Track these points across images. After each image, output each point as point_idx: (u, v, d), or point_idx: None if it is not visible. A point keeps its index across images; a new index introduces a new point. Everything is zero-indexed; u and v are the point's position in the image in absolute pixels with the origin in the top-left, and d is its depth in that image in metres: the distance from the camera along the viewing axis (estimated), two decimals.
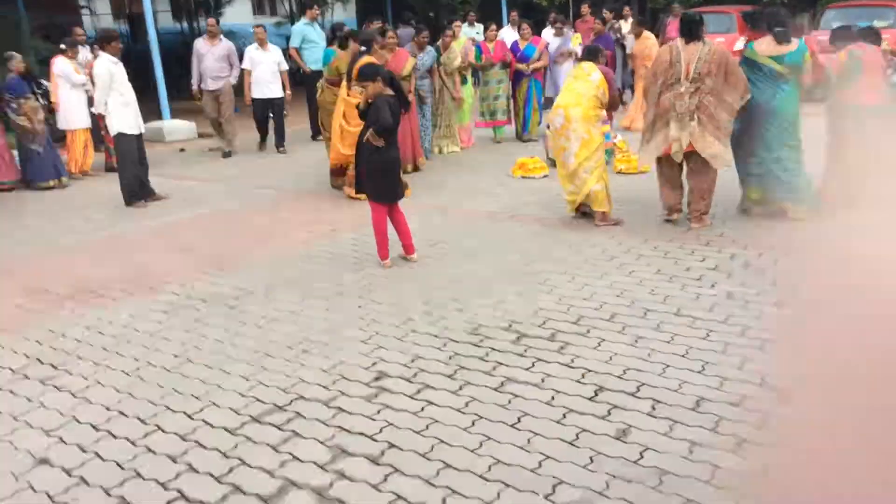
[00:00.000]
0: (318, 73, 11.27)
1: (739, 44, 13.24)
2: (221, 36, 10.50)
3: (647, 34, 11.16)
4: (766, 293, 4.65)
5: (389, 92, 5.49)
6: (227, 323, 4.70)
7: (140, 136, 7.97)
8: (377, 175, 5.50)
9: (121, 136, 7.79)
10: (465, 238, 6.18)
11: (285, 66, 10.59)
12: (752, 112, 5.92)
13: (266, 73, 10.38)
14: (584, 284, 5.00)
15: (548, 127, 6.53)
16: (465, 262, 5.59)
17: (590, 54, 6.41)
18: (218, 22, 10.79)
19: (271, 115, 10.72)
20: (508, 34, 11.85)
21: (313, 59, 11.35)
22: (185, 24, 24.13)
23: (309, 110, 11.79)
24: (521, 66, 10.11)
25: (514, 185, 7.97)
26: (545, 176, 8.21)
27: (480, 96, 10.47)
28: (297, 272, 5.58)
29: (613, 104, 6.39)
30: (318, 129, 11.60)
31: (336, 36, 8.95)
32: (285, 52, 11.79)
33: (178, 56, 15.36)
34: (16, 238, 7.05)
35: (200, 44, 10.42)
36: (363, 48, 7.50)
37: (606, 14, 12.68)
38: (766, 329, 4.10)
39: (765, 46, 6.00)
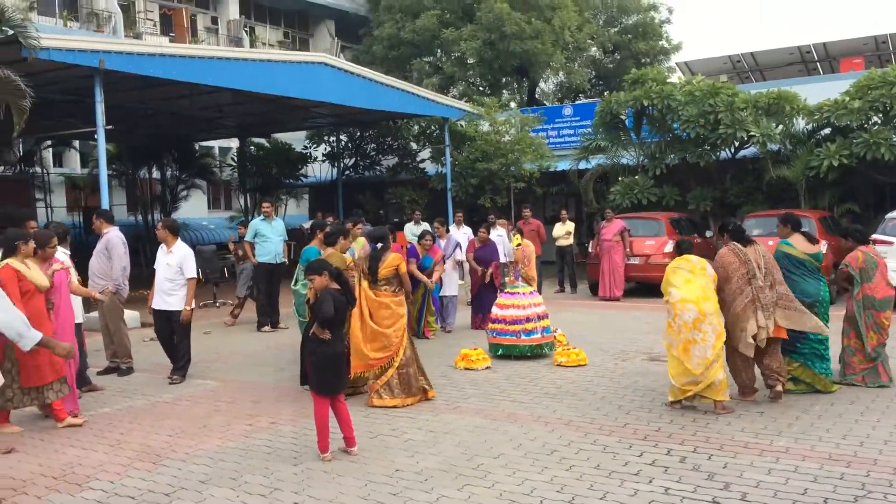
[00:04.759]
0: (269, 266, 11.65)
1: (668, 247, 14.19)
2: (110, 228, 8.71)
3: (527, 241, 11.94)
4: (701, 489, 4.71)
5: (335, 286, 5.69)
6: None
7: (80, 325, 7.90)
8: (322, 368, 5.56)
9: None
10: (407, 431, 6.16)
11: (192, 272, 8.31)
12: (800, 300, 6.71)
13: (162, 281, 8.28)
14: (525, 479, 4.98)
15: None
16: (405, 455, 5.54)
17: (689, 248, 6.81)
18: (110, 218, 8.90)
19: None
20: (454, 232, 12.54)
21: (263, 252, 11.70)
22: (140, 217, 24.75)
23: (256, 301, 11.95)
24: (423, 279, 10.12)
25: (457, 377, 8.07)
26: (488, 367, 8.36)
27: None
28: (233, 467, 5.44)
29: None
30: (265, 320, 11.73)
31: (314, 232, 8.42)
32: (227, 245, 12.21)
33: (131, 247, 15.60)
34: None
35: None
36: (379, 244, 7.34)
37: (491, 218, 13.31)
38: None
39: (803, 247, 6.95)
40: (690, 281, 6.47)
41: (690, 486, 4.75)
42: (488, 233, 11.66)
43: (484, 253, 11.34)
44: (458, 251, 11.43)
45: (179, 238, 8.53)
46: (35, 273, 6.33)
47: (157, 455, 5.76)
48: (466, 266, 11.59)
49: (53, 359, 6.13)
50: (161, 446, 5.98)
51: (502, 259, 11.79)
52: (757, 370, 6.77)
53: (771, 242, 12.94)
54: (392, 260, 7.15)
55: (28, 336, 4.58)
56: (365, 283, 7.02)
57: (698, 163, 17.06)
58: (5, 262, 6.21)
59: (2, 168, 21.85)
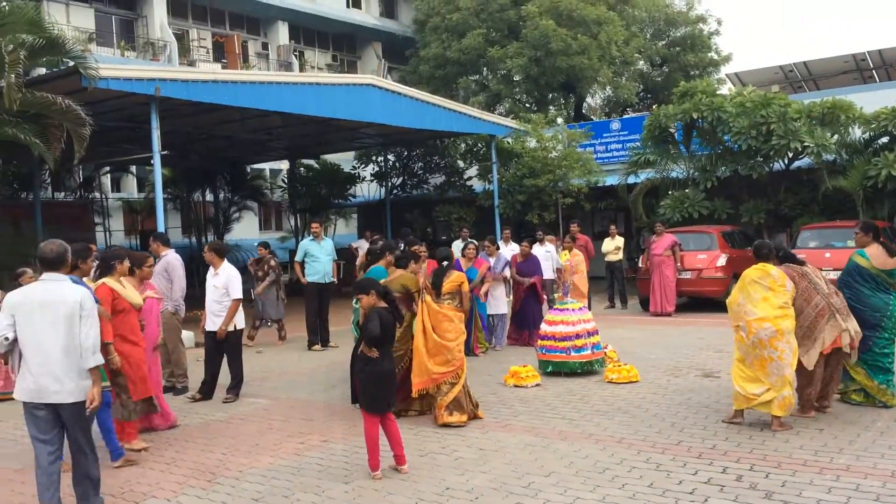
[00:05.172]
0: (319, 285, 11.80)
1: (721, 261, 13.93)
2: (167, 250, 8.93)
3: (576, 251, 12.31)
4: None
5: (383, 304, 5.73)
6: None
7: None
8: (370, 386, 5.59)
9: None
10: (457, 449, 6.14)
11: (237, 293, 8.36)
12: (867, 313, 6.66)
13: (210, 302, 8.44)
14: (576, 498, 4.92)
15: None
16: (455, 473, 5.53)
17: (768, 253, 6.56)
18: (166, 241, 9.15)
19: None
20: (503, 249, 12.52)
21: (313, 272, 11.86)
22: (194, 239, 25.33)
23: (306, 320, 12.09)
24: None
25: (506, 394, 8.02)
26: (537, 384, 8.29)
27: None
28: (286, 484, 5.50)
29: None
30: (315, 339, 11.85)
31: (383, 253, 8.28)
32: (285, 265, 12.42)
33: (186, 268, 15.95)
34: None
35: None
36: (444, 262, 7.66)
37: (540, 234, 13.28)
38: None
39: (879, 261, 6.75)
40: (769, 299, 6.31)
41: None
42: (530, 247, 11.65)
43: (526, 267, 11.30)
44: (507, 270, 11.41)
45: (227, 260, 8.73)
46: (130, 292, 6.63)
47: (211, 473, 5.86)
48: (511, 282, 11.56)
49: (151, 374, 6.68)
50: (215, 464, 6.08)
51: (548, 274, 11.71)
52: None
53: (828, 255, 12.72)
54: (456, 277, 7.43)
55: (94, 357, 4.72)
56: (428, 298, 7.14)
57: (751, 175, 16.72)
58: (102, 281, 6.49)
59: (63, 194, 22.65)
